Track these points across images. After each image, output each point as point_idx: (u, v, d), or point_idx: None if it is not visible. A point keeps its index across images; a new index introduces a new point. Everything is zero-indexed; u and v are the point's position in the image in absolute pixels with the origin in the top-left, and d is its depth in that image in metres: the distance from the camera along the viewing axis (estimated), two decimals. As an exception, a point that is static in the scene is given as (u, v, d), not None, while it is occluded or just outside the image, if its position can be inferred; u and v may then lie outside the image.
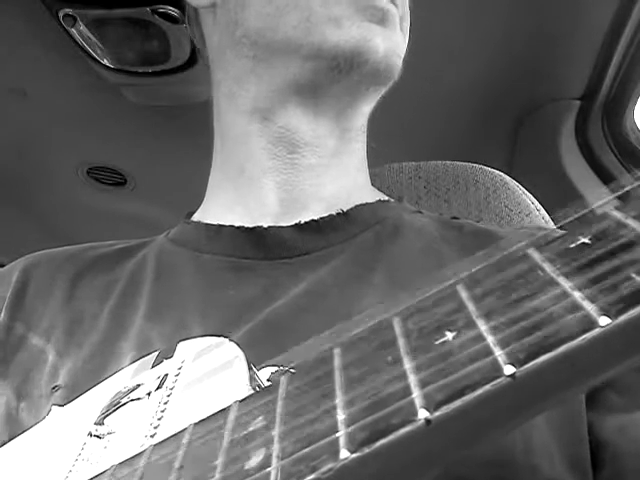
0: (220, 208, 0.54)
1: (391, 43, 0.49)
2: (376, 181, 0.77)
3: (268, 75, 0.50)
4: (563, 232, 0.20)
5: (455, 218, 0.56)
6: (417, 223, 0.52)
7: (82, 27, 0.84)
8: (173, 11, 0.81)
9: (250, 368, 0.29)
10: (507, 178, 0.75)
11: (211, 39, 0.56)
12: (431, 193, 0.77)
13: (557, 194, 0.99)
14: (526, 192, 0.73)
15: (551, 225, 0.70)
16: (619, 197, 0.20)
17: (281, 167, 0.51)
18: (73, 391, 0.41)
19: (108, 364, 0.43)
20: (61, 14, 0.82)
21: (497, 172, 0.76)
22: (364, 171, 0.57)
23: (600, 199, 0.21)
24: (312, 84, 0.50)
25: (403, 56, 0.51)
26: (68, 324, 0.47)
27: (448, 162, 0.78)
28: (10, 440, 0.36)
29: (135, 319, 0.46)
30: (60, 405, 0.40)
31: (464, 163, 0.77)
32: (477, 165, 0.77)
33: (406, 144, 1.03)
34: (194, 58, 0.89)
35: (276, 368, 0.28)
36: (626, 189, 0.19)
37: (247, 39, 0.50)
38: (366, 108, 0.54)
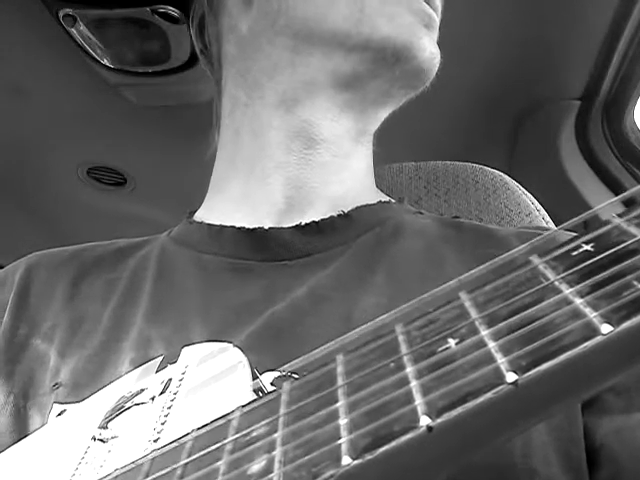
0: (225, 205, 0.54)
1: (435, 48, 0.51)
2: (376, 181, 0.77)
3: (305, 66, 0.51)
4: (565, 235, 0.20)
5: (456, 217, 0.56)
6: (418, 224, 0.52)
7: (82, 27, 0.84)
8: (173, 11, 0.81)
9: (254, 373, 0.29)
10: (507, 178, 0.75)
11: (237, 30, 0.54)
12: (431, 193, 0.77)
13: (557, 194, 0.99)
14: (526, 192, 0.73)
15: (551, 225, 0.70)
16: (622, 202, 0.20)
17: (294, 162, 0.52)
18: (73, 389, 0.42)
19: (108, 363, 0.43)
20: (61, 14, 0.82)
21: (497, 172, 0.76)
22: (371, 176, 0.58)
23: (602, 203, 0.21)
24: (351, 77, 0.50)
25: None
26: (70, 324, 0.47)
27: (448, 162, 0.78)
28: (19, 439, 0.37)
29: (136, 319, 0.46)
30: (61, 403, 0.41)
31: (464, 163, 0.77)
32: (477, 165, 0.77)
33: (406, 144, 1.03)
34: (194, 58, 0.89)
35: (279, 374, 0.28)
36: (629, 194, 0.19)
37: (289, 29, 0.50)
38: (385, 113, 0.56)
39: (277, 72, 0.52)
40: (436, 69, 0.52)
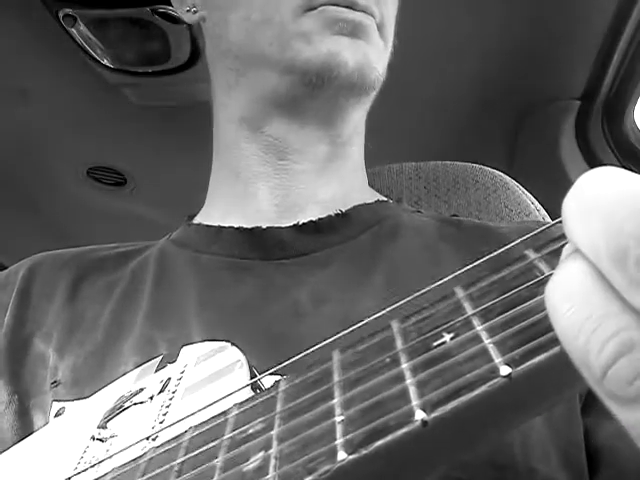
0: (220, 211, 0.55)
1: (362, 55, 0.48)
2: (376, 181, 0.77)
3: (249, 88, 0.51)
4: (560, 229, 0.20)
5: (455, 216, 0.56)
6: (416, 222, 0.52)
7: (82, 27, 0.84)
8: (173, 11, 0.81)
9: (252, 372, 0.29)
10: (507, 178, 0.75)
11: (205, 50, 0.58)
12: (431, 193, 0.77)
13: (557, 194, 0.98)
14: (526, 192, 0.73)
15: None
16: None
17: (272, 173, 0.52)
18: (72, 386, 0.42)
19: (108, 362, 0.43)
20: (61, 14, 0.82)
21: (497, 172, 0.76)
22: (361, 173, 0.57)
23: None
24: (291, 98, 0.50)
25: (384, 65, 0.51)
26: (69, 323, 0.48)
27: (448, 162, 0.78)
28: (23, 437, 0.37)
29: (136, 319, 0.46)
30: (60, 400, 0.41)
31: (464, 163, 0.77)
32: (477, 165, 0.77)
33: (406, 144, 1.03)
34: (194, 58, 0.89)
35: (278, 377, 0.28)
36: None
37: (230, 52, 0.52)
38: (355, 115, 0.53)
39: (231, 90, 0.53)
40: (375, 72, 0.49)
